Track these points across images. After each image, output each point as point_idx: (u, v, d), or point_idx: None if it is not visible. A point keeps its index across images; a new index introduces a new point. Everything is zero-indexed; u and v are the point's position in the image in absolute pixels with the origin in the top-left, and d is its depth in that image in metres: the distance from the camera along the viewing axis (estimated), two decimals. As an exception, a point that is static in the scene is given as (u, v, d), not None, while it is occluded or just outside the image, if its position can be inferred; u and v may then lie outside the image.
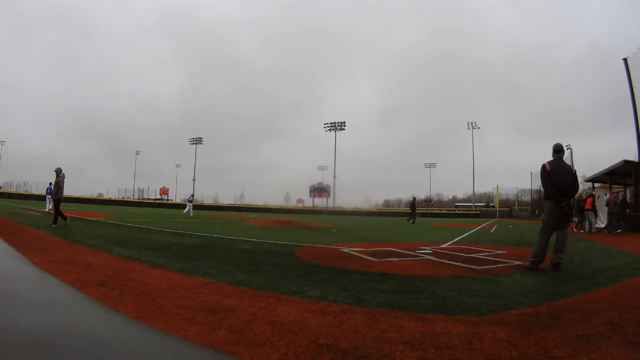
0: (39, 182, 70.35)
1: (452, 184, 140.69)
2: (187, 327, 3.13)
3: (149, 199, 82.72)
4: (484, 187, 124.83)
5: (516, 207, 69.00)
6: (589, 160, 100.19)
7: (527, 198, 72.71)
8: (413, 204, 31.95)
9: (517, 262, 7.58)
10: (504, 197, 78.47)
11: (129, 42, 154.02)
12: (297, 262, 7.09)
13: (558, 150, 7.06)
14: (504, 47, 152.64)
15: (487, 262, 7.69)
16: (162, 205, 73.21)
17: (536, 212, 55.46)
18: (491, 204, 78.28)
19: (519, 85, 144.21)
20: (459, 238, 14.17)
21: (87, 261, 6.12)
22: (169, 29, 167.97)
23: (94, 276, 4.97)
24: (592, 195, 20.94)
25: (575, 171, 7.08)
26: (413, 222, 29.44)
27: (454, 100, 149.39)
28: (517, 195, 75.37)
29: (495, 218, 38.92)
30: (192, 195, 35.79)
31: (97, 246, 8.11)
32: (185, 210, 33.43)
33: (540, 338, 3.08)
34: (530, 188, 64.33)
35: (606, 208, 20.63)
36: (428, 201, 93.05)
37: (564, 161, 6.99)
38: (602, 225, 20.58)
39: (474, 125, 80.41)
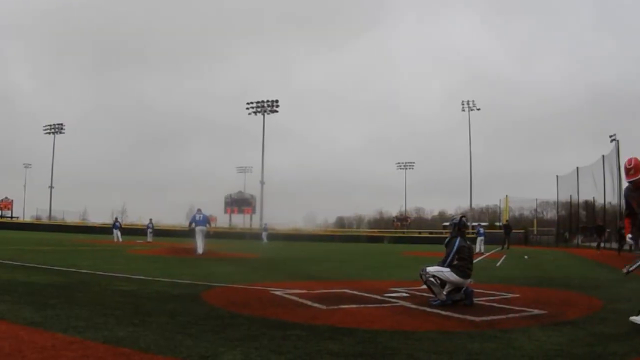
0: None
1: (438, 192, 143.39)
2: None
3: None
4: (486, 198, 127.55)
5: (535, 228, 66.99)
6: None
7: (551, 214, 69.75)
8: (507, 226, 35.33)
9: (536, 312, 7.63)
10: (516, 213, 76.88)
11: None
12: (206, 311, 7.05)
13: None
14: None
15: (491, 310, 7.82)
16: (2, 225, 70.26)
17: (566, 236, 54.86)
18: (497, 224, 73.48)
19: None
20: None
21: None
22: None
23: None
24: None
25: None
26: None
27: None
28: (536, 210, 73.27)
29: (505, 245, 39.72)
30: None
31: None
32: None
33: None
34: (556, 200, 61.88)
35: None
36: (402, 219, 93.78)
37: None
38: None
39: (470, 104, 78.19)
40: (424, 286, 8.60)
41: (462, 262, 8.40)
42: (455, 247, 8.48)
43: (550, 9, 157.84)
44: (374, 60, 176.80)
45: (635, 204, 6.80)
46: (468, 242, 8.83)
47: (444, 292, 8.24)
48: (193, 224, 23.75)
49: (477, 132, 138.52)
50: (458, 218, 9.14)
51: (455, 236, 8.72)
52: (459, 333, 5.97)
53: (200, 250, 22.62)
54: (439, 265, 8.49)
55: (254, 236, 61.32)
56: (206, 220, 24.24)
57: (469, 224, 35.35)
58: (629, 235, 6.87)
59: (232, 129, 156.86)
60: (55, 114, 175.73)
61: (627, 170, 6.79)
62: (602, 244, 34.93)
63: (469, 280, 8.38)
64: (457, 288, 8.31)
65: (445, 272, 8.28)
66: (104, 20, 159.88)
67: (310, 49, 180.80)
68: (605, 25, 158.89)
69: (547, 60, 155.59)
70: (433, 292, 8.34)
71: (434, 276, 8.28)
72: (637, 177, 6.64)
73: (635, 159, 6.68)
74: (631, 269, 6.60)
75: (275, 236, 54.16)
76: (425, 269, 8.43)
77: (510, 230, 41.45)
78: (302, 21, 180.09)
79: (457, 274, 8.26)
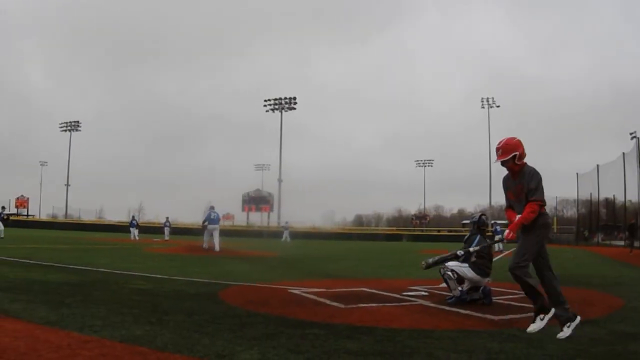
0: None
1: (458, 190, 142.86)
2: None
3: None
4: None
5: (555, 227, 67.69)
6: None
7: (570, 212, 70.80)
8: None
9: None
10: None
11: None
12: (224, 310, 7.08)
13: None
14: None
15: (511, 308, 7.81)
16: (18, 223, 70.96)
17: (585, 234, 55.73)
18: None
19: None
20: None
21: None
22: None
23: None
24: None
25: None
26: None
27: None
28: (556, 208, 73.44)
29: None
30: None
31: None
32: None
33: None
34: (576, 198, 62.39)
35: None
36: (421, 218, 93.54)
37: None
38: None
39: (490, 102, 79.59)
40: (443, 284, 8.57)
41: (481, 260, 8.34)
42: (474, 244, 8.44)
43: (574, 4, 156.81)
44: (394, 57, 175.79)
45: (512, 194, 6.25)
46: (488, 241, 8.79)
47: (460, 289, 8.21)
48: (206, 222, 23.96)
49: (497, 129, 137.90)
50: (478, 216, 9.11)
51: (474, 234, 8.70)
52: (478, 332, 5.94)
53: (217, 247, 22.86)
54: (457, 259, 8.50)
55: (272, 234, 61.46)
56: (219, 219, 24.59)
57: (488, 222, 35.69)
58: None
59: (249, 127, 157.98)
60: (71, 111, 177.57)
61: (497, 151, 6.19)
62: (634, 243, 34.47)
63: (487, 279, 8.32)
64: (475, 287, 8.28)
65: (464, 269, 8.25)
66: (120, 16, 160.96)
67: (329, 45, 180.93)
68: (629, 21, 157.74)
69: (569, 57, 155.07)
70: (448, 287, 8.33)
71: (452, 270, 8.25)
72: (505, 158, 6.02)
73: (507, 139, 6.14)
74: (431, 261, 6.35)
75: (293, 234, 54.16)
76: (445, 264, 8.42)
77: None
78: (321, 17, 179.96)
79: (475, 272, 8.23)
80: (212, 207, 24.91)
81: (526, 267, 5.86)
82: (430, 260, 7.26)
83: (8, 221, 31.17)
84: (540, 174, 6.06)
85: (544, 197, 6.02)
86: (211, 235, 23.77)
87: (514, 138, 6.20)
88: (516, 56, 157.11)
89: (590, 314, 7.29)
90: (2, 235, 28.13)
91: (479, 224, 8.84)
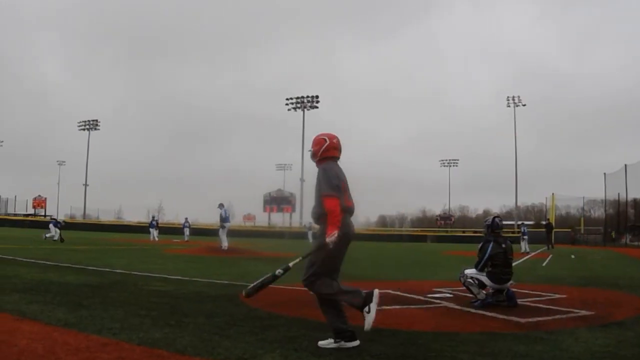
0: None
1: (483, 190, 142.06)
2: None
3: (16, 215, 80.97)
4: (532, 196, 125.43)
5: (582, 228, 67.85)
6: None
7: (598, 213, 70.72)
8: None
9: (582, 312, 7.61)
10: (563, 212, 76.72)
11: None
12: (245, 312, 7.07)
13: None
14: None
15: (538, 311, 7.76)
16: (36, 223, 71.66)
17: (613, 235, 55.59)
18: (543, 222, 75.08)
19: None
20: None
21: None
22: None
23: None
24: None
25: None
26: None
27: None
28: (583, 209, 73.68)
29: (549, 244, 39.41)
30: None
31: None
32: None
33: None
34: (604, 198, 61.94)
35: None
36: (446, 218, 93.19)
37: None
38: None
39: (516, 100, 79.03)
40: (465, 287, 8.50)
41: (496, 269, 8.19)
42: (487, 255, 8.29)
43: (605, 1, 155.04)
44: (419, 53, 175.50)
45: None
46: (504, 245, 8.48)
47: (484, 292, 8.13)
48: (223, 222, 24.29)
49: (526, 128, 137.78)
50: (491, 219, 8.91)
51: (488, 240, 8.50)
52: (504, 334, 5.92)
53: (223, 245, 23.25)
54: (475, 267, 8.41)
55: (294, 235, 61.42)
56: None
57: (502, 224, 36.45)
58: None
59: (271, 125, 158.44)
60: (90, 109, 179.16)
61: None
62: None
63: (508, 283, 8.22)
64: (499, 290, 8.19)
65: (482, 278, 8.18)
66: (140, 12, 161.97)
67: (352, 41, 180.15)
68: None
69: (599, 55, 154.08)
70: (472, 293, 8.23)
71: (472, 277, 8.18)
72: (310, 150, 5.72)
73: (320, 134, 5.75)
74: (251, 290, 5.63)
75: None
76: (464, 272, 8.34)
77: (551, 229, 41.76)
78: (345, 12, 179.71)
79: (492, 281, 8.13)
80: (221, 205, 24.99)
81: (316, 281, 5.65)
82: (251, 290, 6.25)
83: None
84: (332, 170, 5.52)
85: (329, 189, 5.40)
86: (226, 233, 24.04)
87: (324, 135, 5.74)
88: (548, 53, 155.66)
89: (617, 315, 7.31)
90: (56, 238, 28.61)
91: (493, 228, 8.65)
